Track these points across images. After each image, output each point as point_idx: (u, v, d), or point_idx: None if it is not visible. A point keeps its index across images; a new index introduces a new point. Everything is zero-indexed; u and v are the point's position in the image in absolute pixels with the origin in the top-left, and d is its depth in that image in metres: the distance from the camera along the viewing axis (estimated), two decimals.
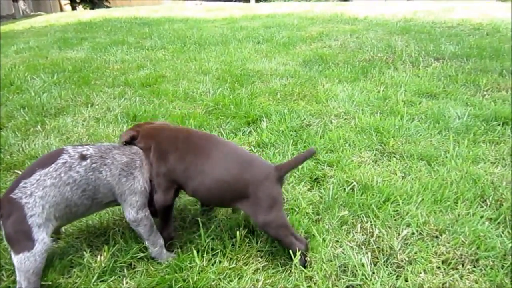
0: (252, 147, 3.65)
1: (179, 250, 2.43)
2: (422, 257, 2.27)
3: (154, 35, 9.52)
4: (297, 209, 2.73)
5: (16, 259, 2.05)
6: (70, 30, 11.06)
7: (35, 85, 5.60)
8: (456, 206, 2.72)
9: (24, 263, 2.04)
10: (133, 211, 2.32)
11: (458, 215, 2.61)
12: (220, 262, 2.30)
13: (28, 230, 2.05)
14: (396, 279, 2.14)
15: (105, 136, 3.93)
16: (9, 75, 6.04)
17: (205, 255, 2.34)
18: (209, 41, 8.58)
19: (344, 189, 2.93)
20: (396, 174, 3.13)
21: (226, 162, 2.28)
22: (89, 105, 4.86)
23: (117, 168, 2.31)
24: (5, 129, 4.17)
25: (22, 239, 2.05)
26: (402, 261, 2.27)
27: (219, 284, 2.15)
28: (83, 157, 2.24)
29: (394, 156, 3.40)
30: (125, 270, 2.31)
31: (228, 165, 2.26)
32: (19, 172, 3.27)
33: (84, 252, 2.38)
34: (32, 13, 18.57)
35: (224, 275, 2.20)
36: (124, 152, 2.39)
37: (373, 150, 3.53)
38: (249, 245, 2.44)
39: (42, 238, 2.08)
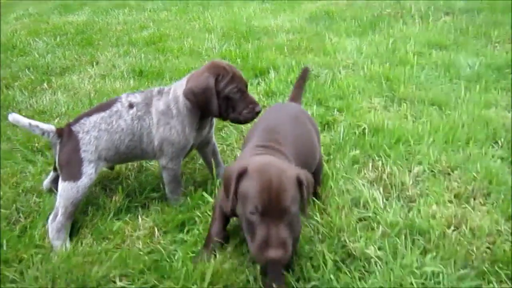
0: (261, 96, 3.63)
1: (193, 191, 2.45)
2: (435, 191, 2.28)
3: None
4: None
5: (61, 185, 2.17)
6: None
7: (38, 48, 5.54)
8: (468, 146, 2.71)
9: (67, 191, 2.15)
10: (166, 158, 2.31)
11: (470, 154, 2.61)
12: None
13: (79, 162, 2.18)
14: (408, 212, 2.16)
15: (112, 91, 3.91)
16: (11, 40, 5.96)
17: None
18: (212, 1, 8.41)
19: (355, 132, 2.93)
20: (407, 118, 3.12)
21: None
22: (94, 63, 4.83)
23: (156, 116, 2.28)
24: (12, 88, 4.15)
25: (72, 168, 2.17)
26: (414, 195, 2.28)
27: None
28: (131, 106, 2.28)
29: (405, 102, 3.37)
30: (140, 209, 2.34)
31: None
32: None
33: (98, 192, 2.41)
34: None
35: None
36: (162, 97, 2.31)
37: (383, 97, 3.50)
38: None
39: (90, 173, 2.19)
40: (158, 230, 2.15)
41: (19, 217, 2.33)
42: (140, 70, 4.39)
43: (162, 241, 2.08)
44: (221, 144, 2.94)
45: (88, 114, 2.30)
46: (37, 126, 2.20)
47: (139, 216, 2.24)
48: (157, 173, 2.63)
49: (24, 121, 2.19)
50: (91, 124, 2.23)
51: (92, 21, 7.19)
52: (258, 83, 3.95)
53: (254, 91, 3.73)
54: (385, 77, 3.82)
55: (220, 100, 2.19)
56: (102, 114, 2.26)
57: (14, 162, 2.82)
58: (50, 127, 2.23)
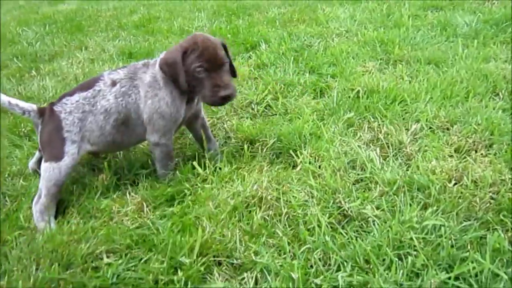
0: (252, 68, 3.51)
1: (181, 164, 2.36)
2: (433, 147, 2.17)
3: None
4: (300, 117, 2.63)
5: (43, 166, 2.08)
6: None
7: (27, 37, 5.44)
8: (467, 100, 2.59)
9: (49, 172, 2.06)
10: (156, 135, 2.19)
11: (470, 108, 2.49)
12: (220, 169, 2.22)
13: (61, 142, 2.09)
14: (407, 169, 2.06)
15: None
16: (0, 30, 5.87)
17: (207, 166, 2.26)
18: None
19: (349, 96, 2.81)
20: (403, 78, 2.99)
21: None
22: (83, 48, 4.72)
23: (143, 89, 2.16)
24: None
25: (53, 148, 2.08)
26: (412, 152, 2.17)
27: (221, 188, 2.08)
28: (113, 83, 2.17)
29: (400, 63, 3.24)
30: (129, 186, 2.26)
31: None
32: None
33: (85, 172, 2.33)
34: None
35: (227, 179, 2.13)
36: (149, 69, 2.19)
37: (377, 60, 3.37)
38: (252, 154, 2.36)
39: (72, 153, 2.10)
40: (147, 205, 2.07)
41: (6, 201, 2.27)
42: (129, 52, 4.28)
43: (151, 216, 2.00)
44: (211, 118, 2.84)
45: (70, 93, 2.19)
46: (17, 105, 2.12)
47: (128, 193, 2.16)
48: (147, 149, 2.54)
49: (4, 99, 2.11)
50: (73, 104, 2.13)
51: (81, 9, 7.07)
52: (250, 57, 3.83)
53: (246, 65, 3.61)
54: (379, 41, 3.69)
55: (188, 76, 2.07)
56: (85, 93, 2.15)
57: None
58: (31, 106, 2.15)
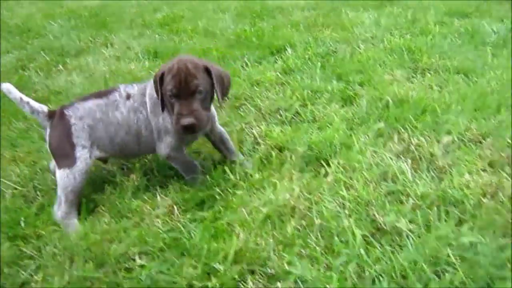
0: (278, 73, 3.51)
1: (212, 169, 2.37)
2: (466, 161, 2.15)
3: None
4: (329, 126, 2.62)
5: (58, 173, 2.08)
6: None
7: (53, 30, 5.50)
8: (499, 113, 2.56)
9: (64, 179, 2.06)
10: (165, 152, 2.19)
11: (502, 121, 2.47)
12: (251, 175, 2.23)
13: (71, 147, 2.07)
14: (440, 182, 2.04)
15: (128, 72, 3.84)
16: (26, 23, 5.94)
17: (237, 171, 2.27)
18: None
19: (378, 105, 2.80)
20: (432, 88, 2.97)
21: None
22: (109, 45, 4.76)
23: (152, 105, 2.15)
24: (28, 69, 4.13)
25: (64, 154, 2.06)
26: (444, 166, 2.16)
27: (253, 195, 2.09)
28: (128, 97, 2.16)
29: (429, 72, 3.22)
30: (158, 188, 2.28)
31: None
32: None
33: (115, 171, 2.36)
34: None
35: (258, 186, 2.14)
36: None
37: (405, 68, 3.35)
38: (281, 161, 2.37)
39: (84, 158, 2.08)
40: (177, 208, 2.08)
41: (37, 195, 2.30)
42: (155, 51, 4.30)
43: (181, 219, 2.01)
44: (239, 123, 2.84)
45: (84, 99, 2.19)
46: (28, 103, 2.11)
47: (158, 195, 2.17)
48: None
49: (16, 94, 2.10)
50: (86, 110, 2.12)
51: (105, 5, 7.12)
52: (275, 61, 3.82)
53: (272, 69, 3.61)
54: (406, 49, 3.67)
55: (165, 99, 2.03)
56: (99, 101, 2.15)
57: (31, 141, 2.80)
58: (42, 107, 2.14)
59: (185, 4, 6.67)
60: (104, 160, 2.40)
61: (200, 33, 4.86)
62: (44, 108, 2.15)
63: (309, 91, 3.08)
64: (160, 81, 2.00)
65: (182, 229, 1.94)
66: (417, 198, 1.93)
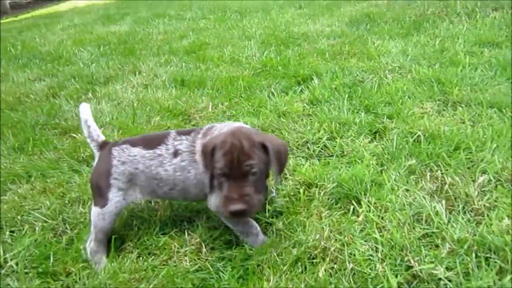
0: (305, 104, 3.50)
1: None
2: (504, 203, 2.07)
3: (194, 6, 9.44)
4: (359, 161, 2.58)
5: (92, 210, 2.08)
6: (112, 7, 11.19)
7: (83, 57, 5.68)
8: None
9: (95, 217, 2.06)
10: (217, 205, 1.98)
11: None
12: (281, 214, 2.20)
13: (107, 187, 2.04)
14: (477, 226, 1.96)
15: (155, 100, 3.90)
16: (58, 50, 6.16)
17: (267, 210, 2.23)
18: (249, 9, 8.39)
19: (408, 139, 2.74)
20: (464, 122, 2.89)
21: None
22: (137, 72, 4.86)
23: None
24: (58, 97, 4.24)
25: (99, 193, 2.05)
26: (481, 208, 2.08)
27: (283, 235, 2.05)
28: (175, 154, 2.02)
29: (460, 105, 3.15)
30: (186, 223, 2.26)
31: None
32: (74, 136, 3.31)
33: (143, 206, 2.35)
34: None
35: (287, 226, 2.10)
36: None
37: (435, 101, 3.28)
38: (309, 199, 2.33)
39: (116, 200, 2.05)
40: (205, 246, 2.06)
41: (66, 228, 2.32)
42: (181, 79, 4.36)
43: (209, 258, 1.99)
44: None
45: (133, 143, 2.10)
46: (89, 127, 2.14)
47: (186, 231, 2.16)
48: None
49: (84, 115, 2.14)
50: (130, 156, 2.05)
51: (133, 31, 7.33)
52: (301, 91, 3.82)
53: (298, 99, 3.60)
54: (436, 80, 3.61)
55: (214, 174, 1.86)
56: (144, 152, 2.05)
57: (60, 172, 2.84)
58: (100, 136, 2.17)
59: (210, 30, 6.79)
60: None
61: (226, 61, 4.91)
62: (101, 138, 2.16)
63: (337, 123, 3.05)
64: (210, 155, 1.82)
65: (210, 268, 1.91)
66: (453, 243, 1.86)
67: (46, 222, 2.34)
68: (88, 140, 2.18)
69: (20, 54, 6.42)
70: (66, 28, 8.48)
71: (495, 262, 1.74)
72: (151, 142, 2.08)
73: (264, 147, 1.81)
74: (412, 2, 6.97)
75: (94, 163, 2.18)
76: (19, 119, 3.74)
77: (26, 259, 2.05)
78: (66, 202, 2.53)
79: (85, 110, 2.15)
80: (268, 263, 1.85)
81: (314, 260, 1.85)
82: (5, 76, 5.31)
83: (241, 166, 1.75)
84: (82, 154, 3.02)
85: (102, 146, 2.16)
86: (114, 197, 2.04)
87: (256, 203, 1.77)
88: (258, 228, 2.04)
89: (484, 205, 2.08)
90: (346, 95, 3.49)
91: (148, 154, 2.04)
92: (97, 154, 2.17)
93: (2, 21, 11.85)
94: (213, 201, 2.01)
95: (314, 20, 6.68)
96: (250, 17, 7.55)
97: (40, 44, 6.97)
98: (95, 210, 2.05)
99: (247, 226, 2.02)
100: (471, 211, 2.08)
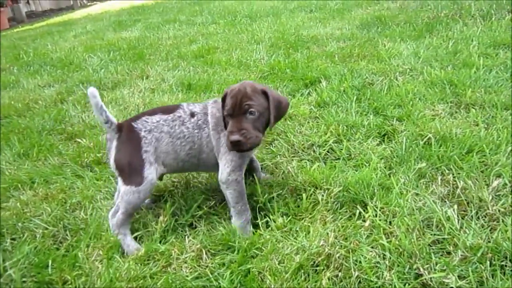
0: (312, 107, 3.42)
1: None
2: None
3: (205, 12, 9.44)
4: (366, 164, 2.49)
5: (123, 188, 2.10)
6: (124, 14, 11.27)
7: (93, 63, 5.68)
8: None
9: (129, 195, 2.08)
10: (225, 171, 2.15)
11: None
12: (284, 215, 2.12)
13: (140, 165, 2.11)
14: (491, 232, 1.86)
15: (161, 104, 3.86)
16: (69, 56, 6.18)
17: (271, 216, 2.16)
18: (259, 13, 8.35)
19: (418, 142, 2.64)
20: (477, 125, 2.78)
21: None
22: (144, 77, 4.84)
23: (214, 123, 2.23)
24: (66, 103, 4.23)
25: (133, 171, 2.09)
26: (495, 213, 1.97)
27: (284, 240, 1.97)
28: (192, 115, 2.25)
29: (473, 107, 3.03)
30: (187, 228, 2.20)
31: None
32: (79, 141, 3.28)
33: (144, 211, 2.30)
34: (89, 3, 19.25)
35: (289, 232, 2.02)
36: (217, 105, 2.27)
37: (447, 103, 3.18)
38: (314, 202, 2.24)
39: (151, 178, 2.11)
40: (205, 252, 1.99)
41: (66, 234, 2.27)
42: (188, 83, 4.32)
43: (210, 264, 1.92)
44: (272, 158, 2.75)
45: (150, 114, 2.24)
46: (105, 112, 2.10)
47: (186, 237, 2.09)
48: (204, 189, 2.49)
49: (99, 100, 2.09)
50: (154, 123, 2.18)
51: (144, 37, 7.34)
52: (309, 94, 3.74)
53: (305, 102, 3.53)
54: (448, 82, 3.50)
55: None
56: (166, 116, 2.22)
57: (63, 178, 2.80)
58: (113, 119, 2.14)
59: (220, 35, 6.76)
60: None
61: (234, 65, 4.86)
62: (115, 120, 2.15)
63: (344, 126, 2.96)
64: (223, 101, 2.13)
65: (210, 275, 1.84)
66: (466, 250, 1.76)
67: (46, 229, 2.29)
68: (106, 125, 2.13)
69: (32, 61, 6.46)
70: (79, 35, 8.54)
71: (511, 270, 1.63)
72: (168, 109, 2.28)
73: (265, 94, 2.10)
74: (425, 5, 6.86)
75: (113, 147, 2.14)
76: (26, 125, 3.73)
77: (25, 268, 2.01)
78: (67, 208, 2.49)
79: (96, 94, 2.08)
80: (269, 271, 1.77)
81: (318, 268, 1.77)
82: (16, 83, 5.33)
83: (241, 106, 2.03)
84: (86, 159, 2.98)
85: (119, 127, 2.16)
86: (149, 174, 2.10)
87: (253, 137, 2.02)
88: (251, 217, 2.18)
89: (499, 210, 1.98)
90: (355, 98, 3.41)
91: (170, 117, 2.22)
92: (115, 137, 2.15)
93: (17, 30, 12.04)
94: (223, 165, 2.18)
95: (325, 23, 6.61)
96: (260, 22, 7.51)
97: (52, 50, 7.02)
98: (129, 189, 2.08)
99: (245, 208, 2.16)
100: (485, 216, 1.98)
